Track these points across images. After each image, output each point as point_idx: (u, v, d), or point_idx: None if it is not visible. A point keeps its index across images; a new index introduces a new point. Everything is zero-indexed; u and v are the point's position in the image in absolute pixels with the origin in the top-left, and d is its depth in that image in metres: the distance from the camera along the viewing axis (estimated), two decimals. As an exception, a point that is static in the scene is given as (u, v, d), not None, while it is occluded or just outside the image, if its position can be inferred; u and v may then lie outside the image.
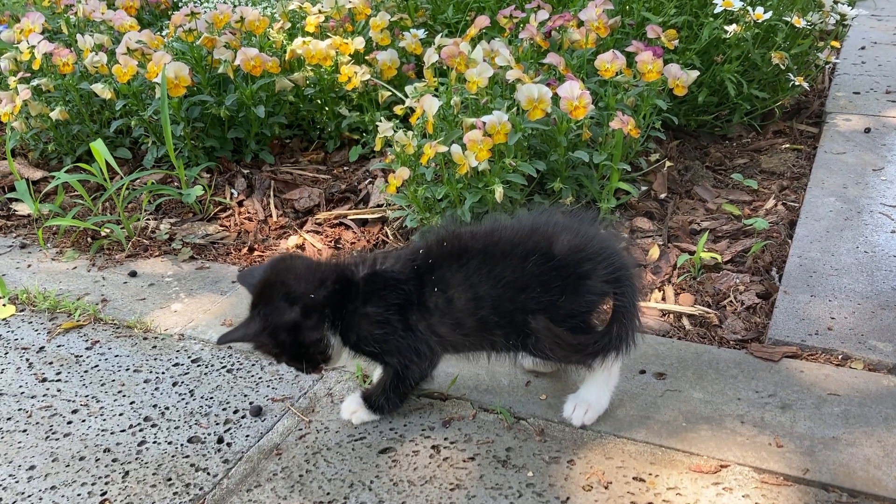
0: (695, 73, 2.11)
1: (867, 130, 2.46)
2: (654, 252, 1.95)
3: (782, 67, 2.38)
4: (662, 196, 2.19)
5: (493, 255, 1.27)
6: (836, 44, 2.47)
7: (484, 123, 1.83)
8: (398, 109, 2.14)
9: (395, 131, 1.96)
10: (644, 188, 2.24)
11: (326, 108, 2.50)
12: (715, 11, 2.24)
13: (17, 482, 1.33)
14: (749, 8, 2.25)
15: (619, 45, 2.29)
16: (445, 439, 1.36)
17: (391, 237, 2.09)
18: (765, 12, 2.26)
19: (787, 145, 2.52)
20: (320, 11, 2.56)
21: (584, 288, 1.27)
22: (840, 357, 1.51)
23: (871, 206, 2.04)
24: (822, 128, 2.55)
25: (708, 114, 2.51)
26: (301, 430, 1.41)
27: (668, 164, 2.34)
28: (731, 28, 2.27)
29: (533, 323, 1.24)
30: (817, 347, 1.53)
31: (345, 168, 2.47)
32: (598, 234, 1.32)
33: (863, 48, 3.23)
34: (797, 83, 2.40)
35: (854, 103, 2.68)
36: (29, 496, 1.30)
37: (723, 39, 2.32)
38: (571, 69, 2.14)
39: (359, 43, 2.44)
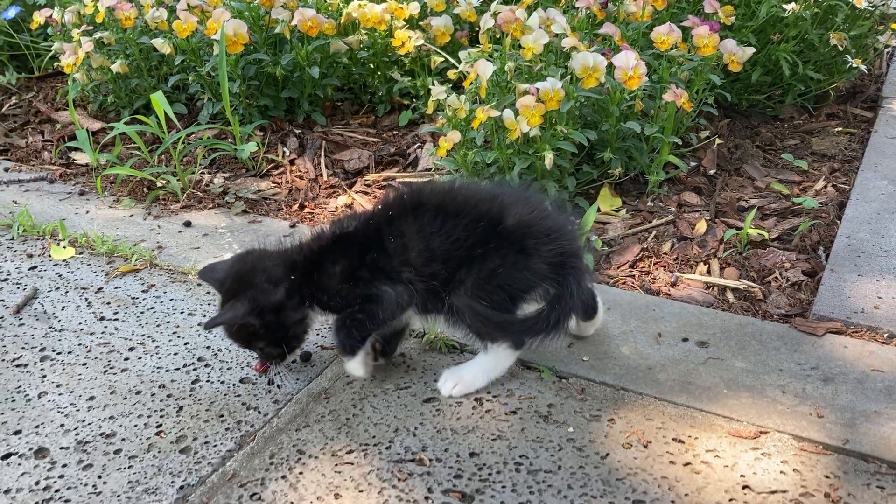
0: (750, 51, 2.10)
1: (924, 116, 2.43)
2: (701, 226, 1.95)
3: (840, 49, 2.35)
4: (711, 172, 2.18)
5: (447, 211, 1.29)
6: (896, 26, 2.43)
7: (537, 90, 1.84)
8: (451, 74, 2.16)
9: (447, 95, 1.98)
10: (693, 164, 2.23)
11: (379, 73, 2.52)
12: (774, -9, 2.22)
13: (77, 410, 1.39)
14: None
15: (675, 19, 2.28)
16: (488, 392, 1.40)
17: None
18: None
19: (840, 128, 2.49)
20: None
21: (522, 264, 1.28)
22: (886, 336, 1.51)
23: (925, 190, 2.01)
24: (878, 112, 2.51)
25: (761, 93, 2.49)
26: (348, 377, 1.45)
27: (718, 141, 2.33)
28: (790, 6, 2.25)
29: (456, 301, 1.27)
30: (862, 325, 1.53)
31: (394, 132, 2.50)
32: (552, 215, 1.33)
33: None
34: (855, 65, 2.37)
35: (912, 89, 2.64)
36: (89, 423, 1.36)
37: (780, 18, 2.30)
38: (627, 40, 2.14)
39: (413, 8, 2.46)
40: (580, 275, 1.30)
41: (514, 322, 1.30)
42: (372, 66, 2.53)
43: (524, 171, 1.93)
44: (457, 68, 2.12)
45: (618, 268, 1.82)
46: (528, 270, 1.28)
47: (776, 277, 1.76)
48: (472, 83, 1.94)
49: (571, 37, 1.97)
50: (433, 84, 2.07)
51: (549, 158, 1.87)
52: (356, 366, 1.40)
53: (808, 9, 2.25)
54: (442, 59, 2.38)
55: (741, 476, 1.20)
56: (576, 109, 1.95)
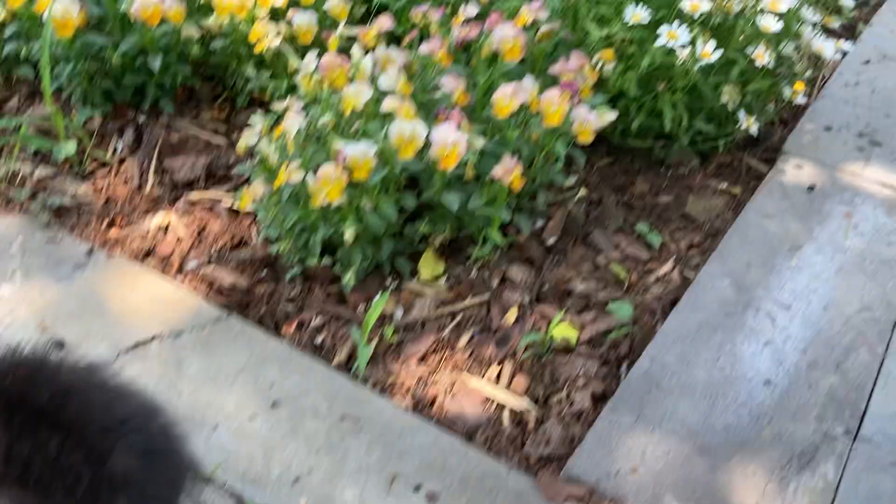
0: (611, 115, 1.91)
1: (811, 189, 2.24)
2: (512, 315, 1.83)
3: (731, 107, 2.14)
4: (551, 242, 2.03)
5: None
6: (800, 86, 2.20)
7: (345, 158, 1.67)
8: (304, 82, 1.93)
9: (261, 136, 1.81)
10: (541, 224, 2.08)
11: (236, 65, 2.31)
12: (657, 44, 1.98)
13: None
14: (698, 42, 1.99)
15: (553, 57, 2.06)
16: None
17: (257, 239, 1.98)
18: (715, 50, 2.00)
19: (725, 185, 2.31)
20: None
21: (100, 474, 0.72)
22: (625, 511, 1.43)
23: (763, 300, 1.88)
24: (771, 168, 2.32)
25: (646, 139, 2.29)
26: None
27: (582, 192, 2.17)
28: (682, 53, 2.03)
29: None
30: (607, 495, 1.45)
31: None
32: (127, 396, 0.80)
33: (867, 62, 2.89)
34: (745, 126, 2.17)
35: (818, 143, 2.43)
36: None
37: (669, 67, 2.08)
38: (480, 89, 1.93)
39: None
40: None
41: None
42: (227, 57, 2.31)
43: (329, 238, 1.79)
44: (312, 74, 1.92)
45: (402, 363, 1.72)
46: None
47: (561, 400, 1.67)
48: (280, 135, 1.76)
49: (399, 93, 1.77)
50: (257, 115, 1.89)
51: (349, 233, 1.72)
52: None
53: (696, 63, 2.03)
54: (297, 62, 2.16)
55: None
56: (397, 173, 1.78)
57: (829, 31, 2.96)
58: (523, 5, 2.01)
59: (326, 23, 2.25)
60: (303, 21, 2.19)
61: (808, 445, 1.55)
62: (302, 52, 2.15)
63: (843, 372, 1.71)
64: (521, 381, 1.70)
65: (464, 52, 1.99)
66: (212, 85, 2.47)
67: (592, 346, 1.79)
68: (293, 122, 1.70)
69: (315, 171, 1.67)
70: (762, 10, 2.04)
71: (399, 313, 1.83)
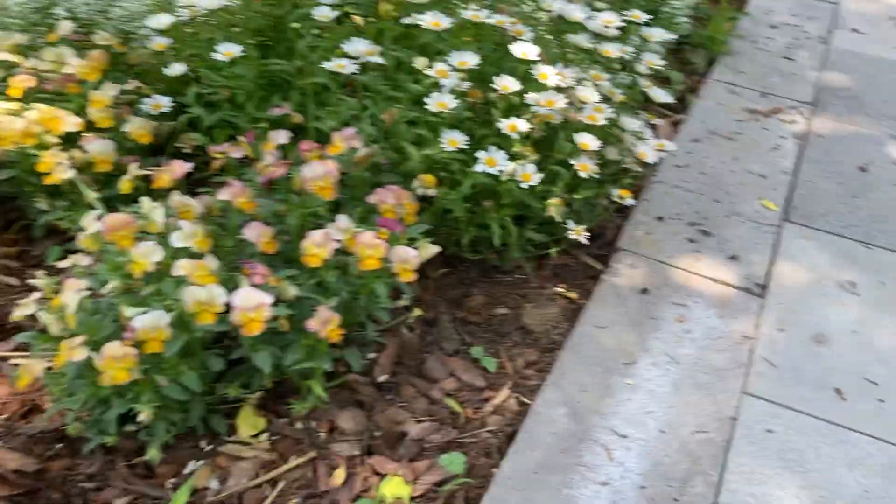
0: (433, 249, 1.82)
1: (644, 291, 2.23)
2: (340, 475, 1.70)
3: (559, 219, 2.09)
4: (382, 379, 1.92)
5: None
6: (626, 193, 2.19)
7: (133, 330, 1.50)
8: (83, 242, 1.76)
9: (40, 306, 1.61)
10: (372, 357, 1.96)
11: (27, 196, 2.09)
12: (476, 169, 1.92)
13: None
14: (518, 166, 1.94)
15: (373, 183, 1.95)
16: None
17: (51, 408, 1.77)
18: (536, 173, 1.95)
19: (563, 289, 2.27)
20: (34, 70, 2.10)
21: None
22: None
23: (598, 429, 1.83)
24: (604, 271, 2.30)
25: (478, 250, 2.22)
26: None
27: (416, 313, 2.06)
28: (507, 169, 1.96)
29: None
30: None
31: (46, 268, 2.09)
32: None
33: (696, 140, 2.95)
34: (574, 235, 2.13)
35: (651, 236, 2.44)
36: None
37: (491, 186, 2.01)
38: (294, 229, 1.80)
39: (72, 124, 2.01)
40: None
41: None
42: (16, 186, 2.08)
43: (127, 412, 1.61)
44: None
45: (216, 551, 1.55)
46: None
47: (392, 575, 1.55)
48: (59, 308, 1.57)
49: (196, 248, 1.62)
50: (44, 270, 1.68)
51: (144, 414, 1.54)
52: None
53: (513, 183, 1.97)
54: (91, 195, 1.96)
55: None
56: (196, 341, 1.62)
57: (660, 107, 3.02)
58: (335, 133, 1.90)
59: (126, 146, 2.07)
60: (97, 149, 2.00)
61: None
62: (104, 180, 1.98)
63: (680, 508, 1.67)
64: (348, 557, 1.57)
65: (271, 189, 1.85)
66: (3, 210, 2.22)
67: (427, 502, 1.68)
68: (71, 296, 1.52)
69: (99, 350, 1.49)
70: (579, 125, 2.01)
71: (215, 484, 1.66)
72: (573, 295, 2.25)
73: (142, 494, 1.64)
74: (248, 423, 1.77)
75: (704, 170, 2.79)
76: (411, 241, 1.83)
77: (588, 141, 1.99)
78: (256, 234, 1.68)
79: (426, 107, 1.90)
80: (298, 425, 1.79)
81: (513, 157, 1.96)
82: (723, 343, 2.09)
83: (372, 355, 1.96)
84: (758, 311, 2.21)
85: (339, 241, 1.71)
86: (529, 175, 1.93)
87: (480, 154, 1.91)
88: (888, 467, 1.80)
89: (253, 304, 1.54)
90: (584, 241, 2.14)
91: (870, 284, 2.33)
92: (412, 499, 1.67)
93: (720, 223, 2.52)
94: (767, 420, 1.89)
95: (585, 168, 2.05)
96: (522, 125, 1.93)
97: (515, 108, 2.00)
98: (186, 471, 1.68)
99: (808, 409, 1.93)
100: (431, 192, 1.95)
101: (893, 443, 1.86)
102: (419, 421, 1.84)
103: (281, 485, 1.67)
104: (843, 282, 2.34)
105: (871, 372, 2.04)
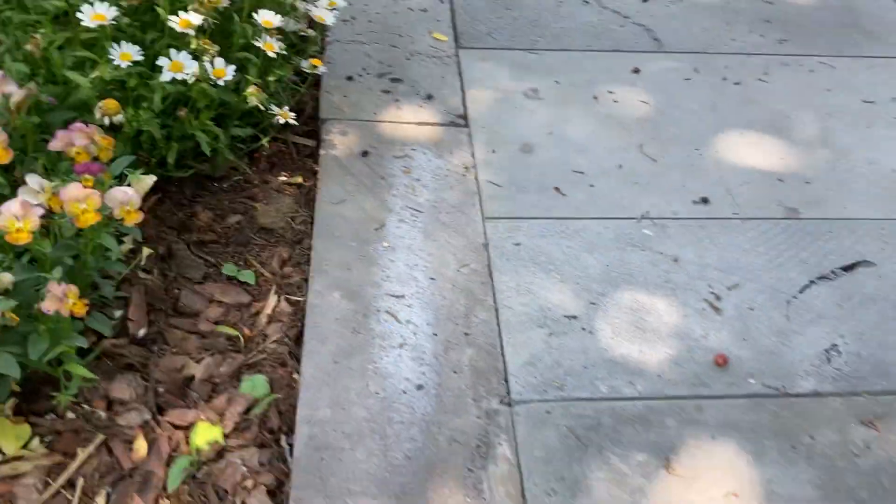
0: (149, 180, 1.64)
1: (365, 154, 2.23)
2: (141, 446, 1.56)
3: (262, 107, 1.98)
4: (142, 333, 1.75)
5: None
6: (317, 62, 2.12)
7: None
8: None
9: None
10: (120, 314, 1.77)
11: None
12: (163, 80, 1.72)
13: None
14: (206, 63, 1.78)
15: (46, 127, 1.68)
16: None
17: None
18: (226, 66, 1.80)
19: (285, 178, 2.19)
20: None
21: None
22: None
23: (377, 299, 1.85)
24: (320, 145, 2.25)
25: (187, 167, 2.05)
26: None
27: (146, 252, 1.88)
28: (190, 72, 1.79)
29: None
30: None
31: None
32: None
33: (352, -9, 2.90)
34: (282, 120, 2.04)
35: (348, 99, 2.41)
36: None
37: (184, 94, 1.83)
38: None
39: None
40: None
41: None
42: None
43: None
44: None
45: (39, 581, 1.37)
46: None
47: (241, 515, 1.49)
48: None
49: None
50: None
51: None
52: None
53: (207, 79, 1.81)
54: None
55: None
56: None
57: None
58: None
59: None
60: None
61: (479, 432, 1.61)
62: None
63: (473, 340, 1.78)
64: (188, 519, 1.48)
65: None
66: None
67: (242, 433, 1.61)
68: None
69: None
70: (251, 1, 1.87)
71: (1, 518, 1.45)
72: (299, 180, 2.19)
73: (-85, 565, 1.38)
74: (10, 436, 1.53)
75: (370, 18, 2.78)
76: (119, 180, 1.64)
77: (269, 18, 1.87)
78: (-65, 228, 1.38)
79: (81, 23, 1.64)
80: (70, 415, 1.59)
81: (196, 56, 1.79)
82: (451, 180, 2.18)
83: (118, 313, 1.77)
84: (468, 141, 2.32)
85: (39, 205, 1.47)
86: (222, 70, 1.79)
87: (162, 61, 1.71)
88: (616, 239, 2.06)
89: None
90: (292, 121, 2.06)
91: (547, 87, 2.55)
92: (226, 437, 1.59)
93: (405, 67, 2.56)
94: (512, 235, 2.04)
95: (271, 48, 1.94)
96: (195, 18, 1.76)
97: (179, 0, 1.80)
98: (-42, 518, 1.44)
99: (539, 213, 2.11)
100: (118, 118, 1.73)
101: (612, 217, 2.12)
102: (199, 360, 1.72)
103: (80, 483, 1.50)
104: (526, 90, 2.53)
105: (575, 163, 2.28)
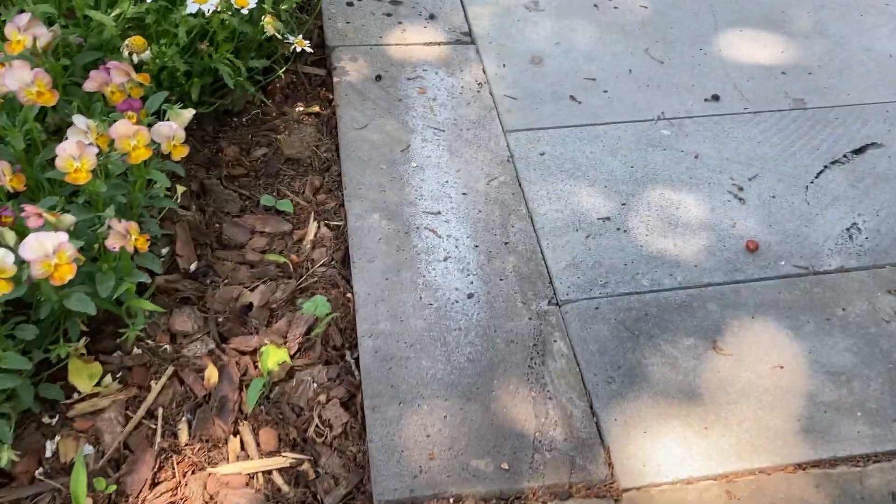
0: (189, 113, 1.64)
1: (378, 78, 2.24)
2: (212, 374, 1.61)
3: (279, 36, 1.97)
4: (193, 268, 1.78)
5: None
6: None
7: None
8: None
9: None
10: (167, 252, 1.79)
11: None
12: (187, 12, 1.71)
13: None
14: (228, -6, 1.77)
15: (76, 69, 1.67)
16: None
17: None
18: (248, -6, 1.79)
19: (303, 107, 2.20)
20: None
21: None
22: (452, 502, 1.44)
23: (415, 217, 1.89)
24: (332, 73, 2.25)
25: (208, 105, 2.04)
26: None
27: (181, 191, 1.89)
28: (208, 6, 1.77)
29: None
30: (426, 496, 1.43)
31: None
32: None
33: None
34: (298, 48, 2.04)
35: (352, 25, 2.40)
36: None
37: (203, 27, 1.82)
38: (19, 154, 1.51)
39: None
40: None
41: None
42: None
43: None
44: None
45: (139, 505, 1.43)
46: None
47: (317, 428, 1.55)
48: None
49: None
50: None
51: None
52: None
53: (229, 8, 1.80)
54: None
55: None
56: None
57: None
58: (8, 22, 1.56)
59: None
60: None
61: (534, 332, 1.68)
62: None
63: (513, 248, 1.84)
64: (268, 437, 1.54)
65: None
66: None
67: (306, 353, 1.67)
68: None
69: None
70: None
71: (89, 450, 1.49)
72: (316, 109, 2.20)
73: (16, 501, 1.43)
74: (84, 375, 1.57)
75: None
76: (157, 115, 1.65)
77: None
78: (-4, 174, 1.39)
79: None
80: (137, 351, 1.63)
81: (216, -12, 1.77)
82: (466, 97, 2.21)
83: (165, 251, 1.79)
84: (477, 57, 2.34)
85: (91, 144, 1.48)
86: (246, 1, 1.77)
87: (186, -6, 1.70)
88: (637, 141, 2.11)
89: (50, 248, 1.31)
90: (308, 48, 2.06)
91: (547, -2, 2.55)
92: (292, 357, 1.65)
93: (403, -12, 2.55)
94: (534, 145, 2.08)
95: (283, -25, 1.93)
96: (212, -53, 1.74)
97: (192, -69, 1.77)
98: (48, 454, 1.48)
99: (558, 122, 2.15)
100: (146, 55, 1.72)
101: (630, 120, 2.17)
102: (253, 288, 1.76)
103: (160, 412, 1.55)
104: (526, 3, 2.54)
105: (586, 71, 2.31)
